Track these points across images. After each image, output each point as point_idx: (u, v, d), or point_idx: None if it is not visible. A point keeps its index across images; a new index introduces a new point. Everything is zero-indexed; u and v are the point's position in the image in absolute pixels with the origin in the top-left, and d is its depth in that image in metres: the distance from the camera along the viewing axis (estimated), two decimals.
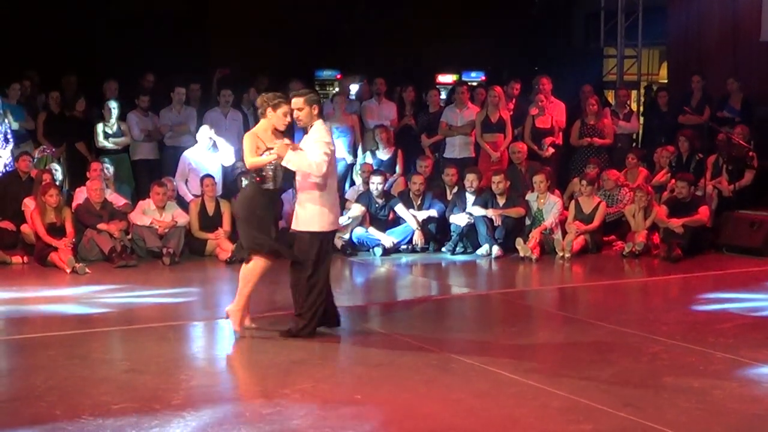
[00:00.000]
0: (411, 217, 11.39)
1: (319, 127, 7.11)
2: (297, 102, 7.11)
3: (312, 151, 6.95)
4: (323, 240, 7.14)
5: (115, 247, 10.32)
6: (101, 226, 10.46)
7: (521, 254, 10.76)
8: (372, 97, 13.51)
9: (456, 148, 12.78)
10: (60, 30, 13.85)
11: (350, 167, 12.81)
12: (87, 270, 9.82)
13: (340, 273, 10.56)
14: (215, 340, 7.16)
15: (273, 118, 7.13)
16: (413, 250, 11.26)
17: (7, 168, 11.59)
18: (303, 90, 7.52)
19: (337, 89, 15.06)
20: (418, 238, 11.26)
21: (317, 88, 15.31)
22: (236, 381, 6.12)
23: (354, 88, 14.72)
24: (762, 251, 10.86)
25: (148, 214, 10.83)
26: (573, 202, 11.51)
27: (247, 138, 7.12)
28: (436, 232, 11.53)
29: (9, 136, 11.87)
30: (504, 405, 5.66)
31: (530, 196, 11.40)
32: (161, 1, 14.46)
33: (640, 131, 14.77)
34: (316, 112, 7.12)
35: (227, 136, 12.29)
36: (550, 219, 11.14)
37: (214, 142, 11.63)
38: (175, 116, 12.55)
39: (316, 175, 6.97)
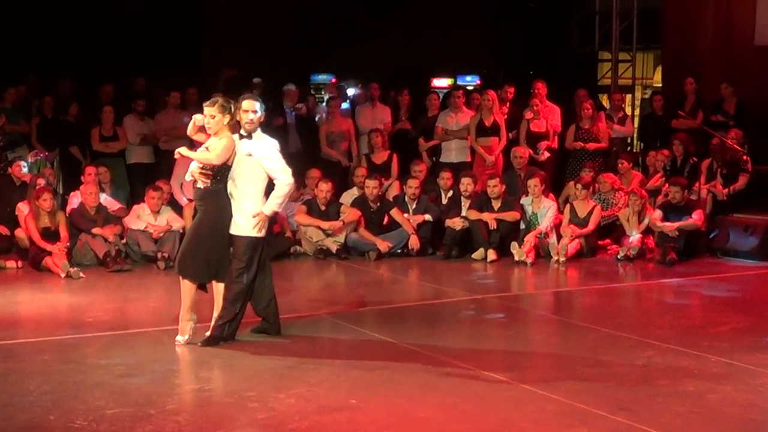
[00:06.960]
0: (406, 222, 11.39)
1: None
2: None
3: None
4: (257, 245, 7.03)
5: (109, 251, 10.31)
6: (96, 230, 10.44)
7: (516, 258, 10.75)
8: (366, 101, 13.51)
9: (452, 152, 12.80)
10: (54, 34, 13.85)
11: (345, 171, 12.81)
12: (81, 274, 9.80)
13: (335, 277, 10.58)
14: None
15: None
16: (408, 255, 11.27)
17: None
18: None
19: (327, 95, 15.03)
20: (413, 243, 11.26)
21: (312, 92, 15.33)
22: (231, 385, 6.10)
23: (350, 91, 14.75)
24: (756, 255, 10.88)
25: (142, 218, 10.81)
26: (568, 206, 11.51)
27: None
28: (431, 237, 11.54)
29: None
30: (499, 409, 5.65)
31: (525, 200, 11.40)
32: (157, 6, 14.45)
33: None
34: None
35: None
36: (545, 223, 11.14)
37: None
38: (170, 120, 12.54)
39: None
